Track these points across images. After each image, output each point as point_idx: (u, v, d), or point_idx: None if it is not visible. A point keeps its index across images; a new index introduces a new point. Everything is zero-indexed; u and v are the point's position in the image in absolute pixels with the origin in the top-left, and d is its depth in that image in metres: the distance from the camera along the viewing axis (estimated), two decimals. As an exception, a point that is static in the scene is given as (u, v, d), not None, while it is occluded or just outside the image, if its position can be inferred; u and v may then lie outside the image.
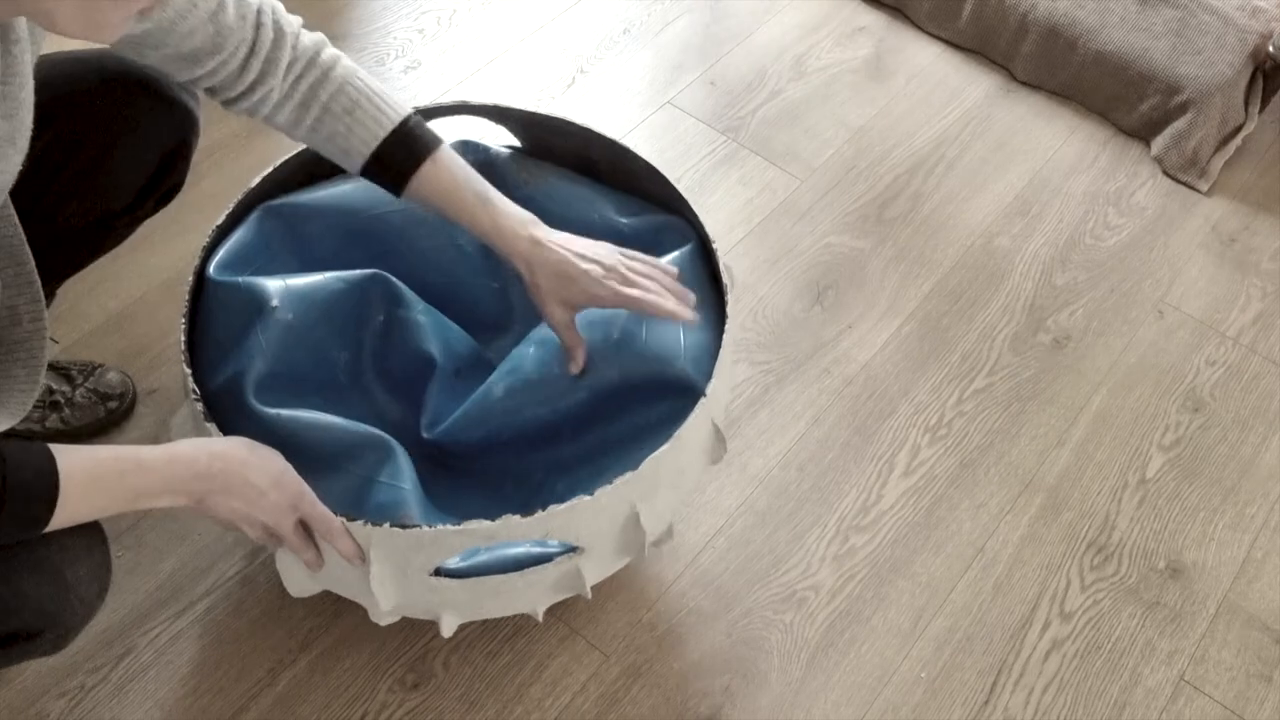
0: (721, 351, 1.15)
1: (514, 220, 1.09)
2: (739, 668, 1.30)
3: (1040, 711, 1.31)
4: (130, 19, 0.81)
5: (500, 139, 1.38)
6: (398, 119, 1.08)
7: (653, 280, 1.10)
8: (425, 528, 1.00)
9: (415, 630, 1.28)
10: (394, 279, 1.21)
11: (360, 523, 1.00)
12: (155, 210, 1.23)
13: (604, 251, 1.10)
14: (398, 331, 1.20)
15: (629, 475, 1.04)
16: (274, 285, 1.15)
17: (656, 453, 1.06)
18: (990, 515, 1.47)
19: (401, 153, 1.08)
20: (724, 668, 1.30)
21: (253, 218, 1.23)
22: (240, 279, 1.16)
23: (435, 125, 1.30)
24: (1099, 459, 1.54)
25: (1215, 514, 1.50)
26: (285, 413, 1.09)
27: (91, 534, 0.99)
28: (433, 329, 1.21)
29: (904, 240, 1.76)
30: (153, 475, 0.93)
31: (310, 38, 1.08)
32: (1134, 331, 1.69)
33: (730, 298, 1.20)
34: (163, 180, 1.19)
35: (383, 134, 1.08)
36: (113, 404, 1.39)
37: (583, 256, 1.09)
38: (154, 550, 1.32)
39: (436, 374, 1.19)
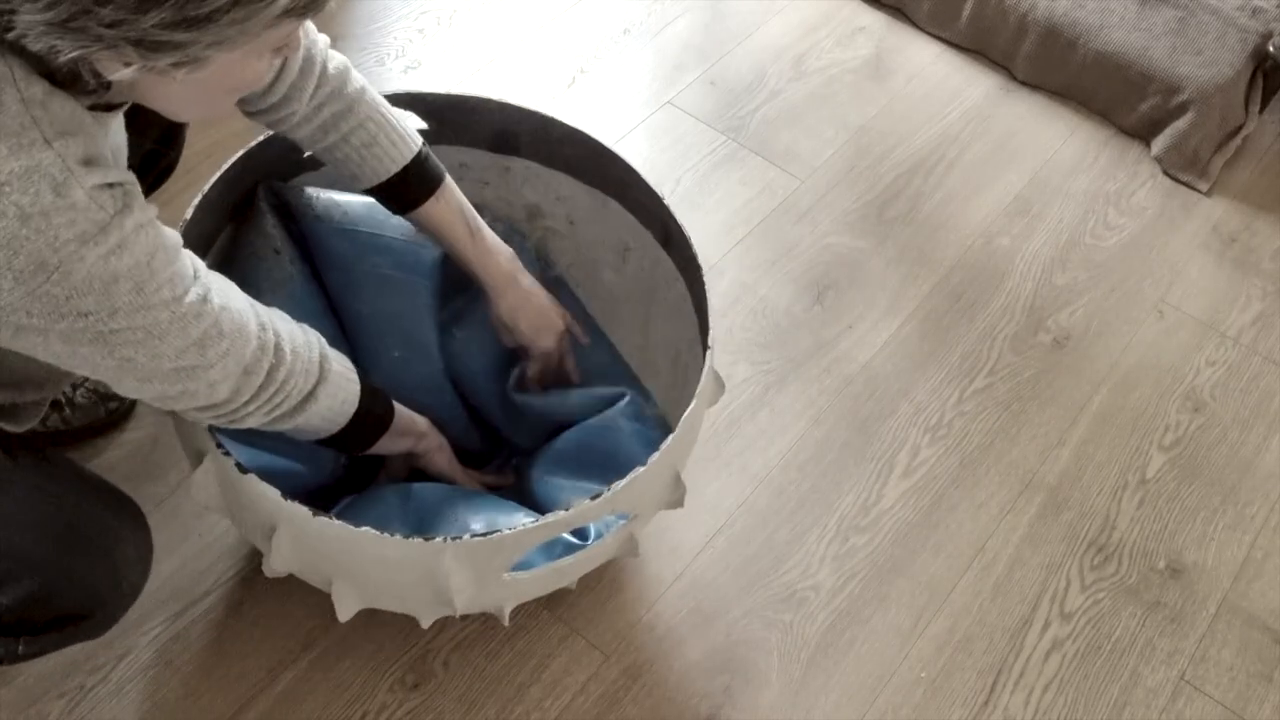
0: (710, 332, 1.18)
1: (498, 253, 1.22)
2: (739, 668, 1.30)
3: (1040, 711, 1.31)
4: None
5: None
6: (410, 155, 1.15)
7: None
8: (505, 531, 1.01)
9: (415, 630, 1.28)
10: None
11: (440, 539, 0.99)
12: (150, 191, 1.22)
13: (558, 313, 1.29)
14: None
15: (671, 438, 1.08)
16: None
17: (687, 411, 1.10)
18: (990, 515, 1.47)
19: (409, 189, 1.17)
20: (724, 668, 1.30)
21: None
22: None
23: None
24: (1099, 459, 1.54)
25: (1215, 514, 1.50)
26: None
27: (135, 517, 1.06)
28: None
29: (904, 240, 1.76)
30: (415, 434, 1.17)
31: (336, 63, 1.10)
32: (1134, 331, 1.69)
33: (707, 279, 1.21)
34: (158, 160, 1.20)
35: (395, 169, 1.15)
36: (113, 404, 1.39)
37: (543, 311, 1.26)
38: (155, 550, 1.32)
39: None
